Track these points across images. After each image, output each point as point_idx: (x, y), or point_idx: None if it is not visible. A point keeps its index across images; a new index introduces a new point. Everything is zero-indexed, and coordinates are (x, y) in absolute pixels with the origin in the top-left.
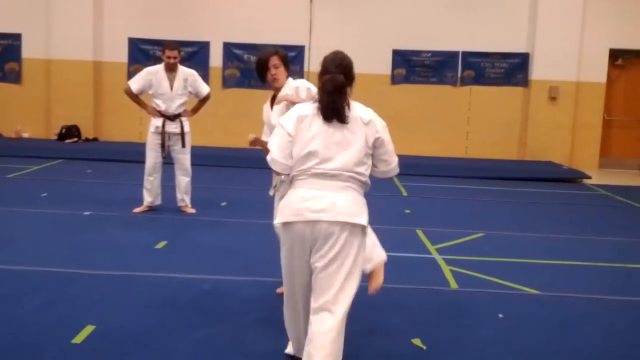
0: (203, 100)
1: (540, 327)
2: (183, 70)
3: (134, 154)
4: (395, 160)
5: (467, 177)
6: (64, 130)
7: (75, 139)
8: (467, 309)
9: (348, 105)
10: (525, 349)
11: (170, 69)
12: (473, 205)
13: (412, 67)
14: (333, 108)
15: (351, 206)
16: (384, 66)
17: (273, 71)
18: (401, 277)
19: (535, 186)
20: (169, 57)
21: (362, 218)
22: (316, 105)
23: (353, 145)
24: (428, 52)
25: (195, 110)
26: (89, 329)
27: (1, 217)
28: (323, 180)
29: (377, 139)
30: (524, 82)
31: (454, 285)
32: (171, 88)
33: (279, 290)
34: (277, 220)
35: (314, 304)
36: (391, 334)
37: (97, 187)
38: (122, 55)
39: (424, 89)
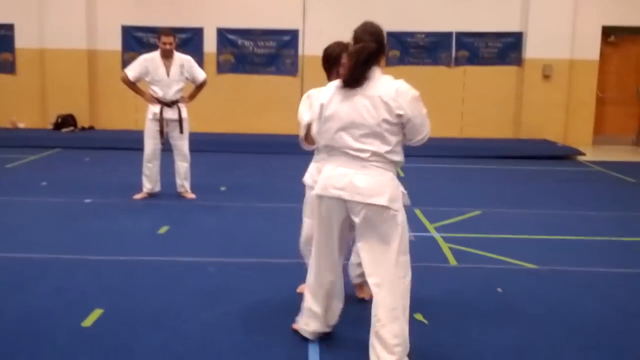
0: (200, 86)
1: (540, 299)
2: (179, 57)
3: (130, 142)
4: (424, 131)
5: (463, 157)
6: (59, 120)
7: (72, 128)
8: (467, 284)
9: (372, 76)
10: (525, 321)
11: (166, 56)
12: (469, 184)
13: (406, 48)
14: (356, 78)
15: (371, 186)
16: None
17: (342, 70)
18: None
19: (530, 164)
20: (165, 44)
21: (381, 198)
22: (338, 81)
23: (371, 123)
24: (422, 33)
25: (192, 96)
26: (97, 313)
27: (3, 207)
28: (346, 158)
29: (401, 116)
30: (518, 61)
31: (453, 262)
32: (168, 74)
33: (299, 290)
34: (313, 191)
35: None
36: None
37: (96, 175)
38: (116, 43)
39: (419, 70)
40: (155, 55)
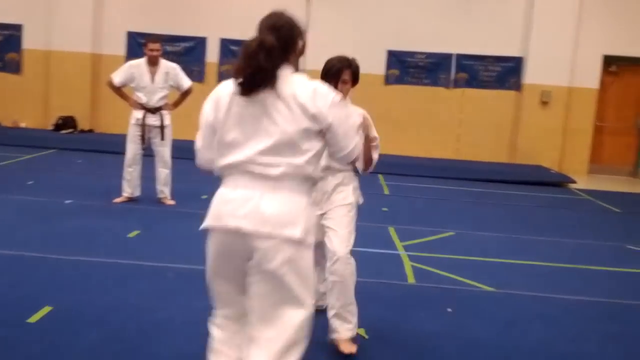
0: (184, 94)
1: (486, 322)
2: (165, 64)
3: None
4: (349, 146)
5: (454, 179)
6: (60, 121)
7: (71, 130)
8: (418, 303)
9: (281, 75)
10: (465, 342)
11: (153, 63)
12: (452, 205)
13: (406, 68)
14: (253, 75)
15: (281, 212)
16: (379, 66)
17: (340, 87)
18: (362, 271)
19: (521, 189)
20: (151, 50)
21: (296, 229)
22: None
23: (280, 131)
24: (422, 53)
25: (176, 103)
26: (46, 310)
27: None
28: (249, 177)
29: (318, 120)
30: (517, 86)
31: (411, 280)
32: (152, 81)
33: None
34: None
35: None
36: None
37: (84, 177)
38: (120, 48)
39: (417, 90)
40: (142, 62)
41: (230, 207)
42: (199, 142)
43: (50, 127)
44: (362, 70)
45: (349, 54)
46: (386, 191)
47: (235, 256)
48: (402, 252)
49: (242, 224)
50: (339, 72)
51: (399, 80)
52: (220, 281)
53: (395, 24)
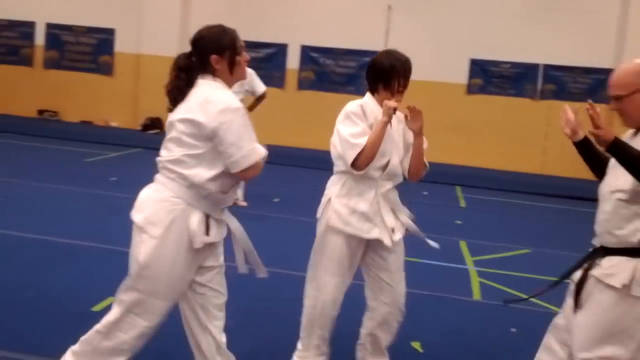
0: (259, 99)
1: None
2: None
3: None
4: (238, 155)
5: (537, 194)
6: (148, 122)
7: (157, 130)
8: (481, 320)
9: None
10: None
11: None
12: (531, 221)
13: (489, 77)
14: (172, 95)
15: (141, 200)
16: (460, 75)
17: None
18: (425, 284)
19: None
20: None
21: (139, 214)
22: None
23: (172, 121)
24: (507, 63)
25: (251, 108)
26: (109, 300)
27: (67, 195)
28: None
29: (200, 124)
30: (608, 100)
31: (477, 296)
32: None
33: None
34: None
35: None
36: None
37: None
38: None
39: (501, 100)
40: None
41: None
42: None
43: (139, 127)
44: (442, 78)
45: (429, 62)
46: (462, 204)
47: None
48: (471, 267)
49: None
50: (391, 71)
51: (482, 90)
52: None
53: (478, 31)
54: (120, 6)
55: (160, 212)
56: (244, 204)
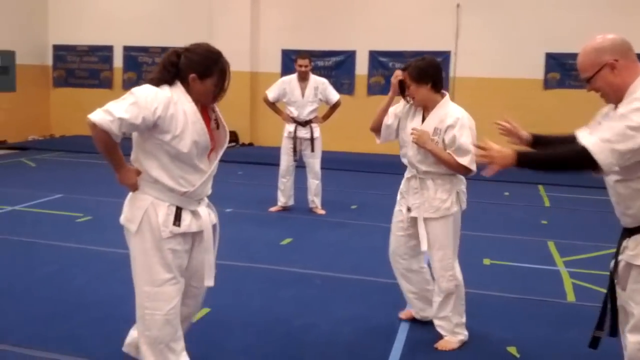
0: (333, 107)
1: None
2: (314, 79)
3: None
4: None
5: None
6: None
7: (234, 144)
8: (577, 322)
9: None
10: None
11: (303, 78)
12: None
13: (567, 70)
14: (152, 82)
15: (125, 203)
16: (535, 70)
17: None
18: (516, 286)
19: None
20: (300, 66)
21: (122, 216)
22: None
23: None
24: None
25: (325, 117)
26: (204, 311)
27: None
28: None
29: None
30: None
31: (571, 298)
32: (302, 95)
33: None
34: None
35: None
36: (488, 340)
37: (243, 187)
38: (275, 65)
39: (580, 94)
40: (293, 77)
41: None
42: None
43: None
44: (518, 74)
45: (502, 58)
46: (547, 203)
47: None
48: (561, 268)
49: None
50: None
51: (560, 84)
52: None
53: (551, 25)
54: (192, 26)
55: (133, 209)
56: (322, 212)
